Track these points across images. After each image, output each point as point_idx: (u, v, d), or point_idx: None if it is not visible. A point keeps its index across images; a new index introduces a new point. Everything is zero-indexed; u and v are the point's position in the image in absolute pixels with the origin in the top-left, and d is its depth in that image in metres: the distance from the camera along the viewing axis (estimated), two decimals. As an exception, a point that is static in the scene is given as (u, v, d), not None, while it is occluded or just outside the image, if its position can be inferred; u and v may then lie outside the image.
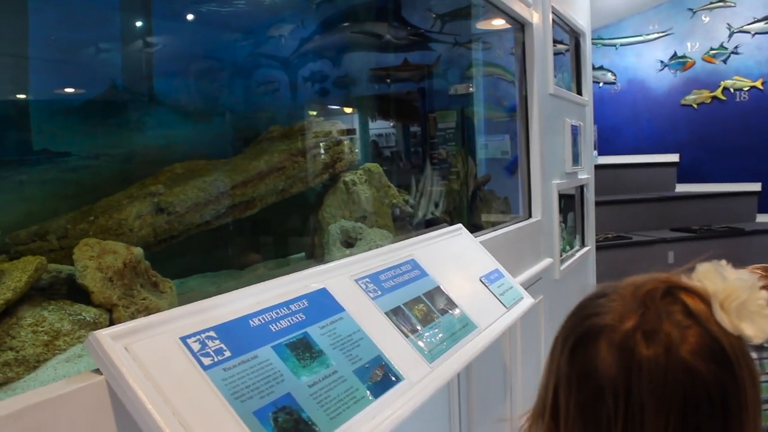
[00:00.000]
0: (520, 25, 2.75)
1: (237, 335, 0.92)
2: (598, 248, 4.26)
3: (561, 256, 3.09)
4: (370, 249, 1.55)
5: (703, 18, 7.27)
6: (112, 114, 1.55)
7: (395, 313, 1.25)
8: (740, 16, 7.09)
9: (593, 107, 4.27)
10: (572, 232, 3.67)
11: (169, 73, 1.81)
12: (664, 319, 0.72)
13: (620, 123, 7.63)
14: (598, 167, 4.58)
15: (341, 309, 1.14)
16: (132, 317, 1.04)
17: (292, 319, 1.03)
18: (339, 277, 1.23)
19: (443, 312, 1.38)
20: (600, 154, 6.81)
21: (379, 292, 1.27)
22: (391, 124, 2.99)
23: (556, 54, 3.20)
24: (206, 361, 0.84)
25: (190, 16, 1.88)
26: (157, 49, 1.73)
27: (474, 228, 2.18)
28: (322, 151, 1.78)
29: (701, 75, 7.28)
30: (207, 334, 0.88)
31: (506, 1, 2.42)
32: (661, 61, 7.47)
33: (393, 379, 1.09)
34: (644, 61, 7.57)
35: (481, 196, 2.56)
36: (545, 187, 2.82)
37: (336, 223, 1.68)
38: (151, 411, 0.74)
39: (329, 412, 0.91)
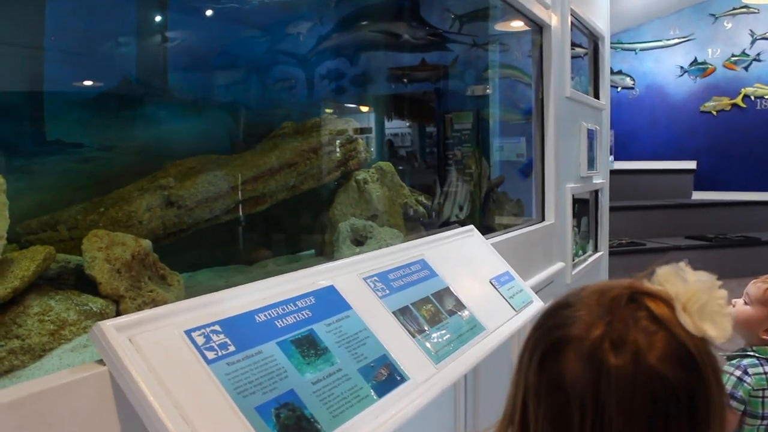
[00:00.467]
0: (538, 27, 2.73)
1: (242, 330, 0.92)
2: (611, 254, 4.22)
3: (573, 260, 3.07)
4: (380, 248, 1.54)
5: (725, 24, 7.20)
6: (126, 107, 1.56)
7: (403, 313, 1.24)
8: (764, 22, 7.00)
9: (611, 112, 4.24)
10: (585, 236, 3.65)
11: (184, 67, 1.82)
12: (631, 327, 0.72)
13: (638, 128, 7.57)
14: (614, 172, 4.55)
15: (348, 307, 1.14)
16: (139, 309, 1.04)
17: (298, 316, 1.02)
18: (347, 274, 1.22)
19: (451, 313, 1.37)
20: (616, 159, 6.76)
21: (387, 291, 1.27)
22: (407, 123, 2.99)
23: (574, 57, 3.18)
24: (210, 355, 0.84)
25: (206, 11, 1.88)
26: (173, 44, 1.73)
27: (486, 229, 2.16)
28: (335, 148, 1.78)
29: (721, 82, 7.21)
30: (212, 328, 0.88)
31: (525, 3, 2.41)
32: (681, 67, 7.41)
33: (398, 378, 1.08)
34: (664, 67, 7.51)
35: (494, 197, 2.55)
36: (559, 190, 2.81)
37: (347, 221, 1.68)
38: (152, 403, 0.74)
39: (332, 410, 0.91)
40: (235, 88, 2.08)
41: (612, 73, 6.99)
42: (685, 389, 0.70)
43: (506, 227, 2.40)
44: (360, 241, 1.65)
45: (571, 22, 3.01)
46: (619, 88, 7.61)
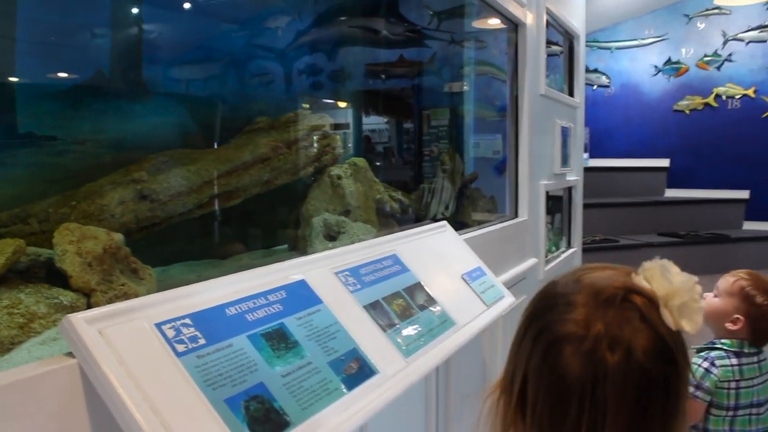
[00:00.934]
0: (513, 25, 2.76)
1: (212, 323, 0.92)
2: (585, 250, 4.28)
3: (546, 256, 3.11)
4: (352, 243, 1.56)
5: (698, 24, 7.30)
6: (100, 100, 1.55)
7: (373, 307, 1.26)
8: (735, 23, 7.12)
9: (586, 110, 4.29)
10: (559, 233, 3.69)
11: (159, 61, 1.81)
12: (624, 327, 0.80)
13: (613, 126, 7.66)
14: (588, 170, 4.61)
15: (319, 301, 1.15)
16: (110, 303, 1.05)
17: (269, 310, 1.03)
18: (319, 269, 1.24)
19: (422, 308, 1.39)
20: (591, 156, 6.83)
21: (359, 286, 1.28)
22: (385, 119, 3.00)
23: (549, 55, 3.22)
24: (180, 347, 0.85)
25: (183, 4, 1.88)
26: (148, 37, 1.73)
27: (459, 225, 2.19)
28: (309, 144, 1.78)
29: (694, 81, 7.32)
30: (182, 321, 0.89)
31: (500, 1, 2.43)
32: (656, 66, 7.50)
33: (368, 372, 1.09)
34: (639, 66, 7.60)
35: (467, 194, 2.57)
36: (533, 187, 2.84)
37: (320, 216, 1.69)
38: (122, 395, 0.75)
39: (301, 402, 0.92)
40: (211, 83, 2.07)
41: (588, 71, 7.06)
42: (663, 378, 0.80)
43: (480, 223, 2.43)
44: (333, 237, 1.66)
45: (547, 21, 3.04)
46: (594, 86, 7.69)
